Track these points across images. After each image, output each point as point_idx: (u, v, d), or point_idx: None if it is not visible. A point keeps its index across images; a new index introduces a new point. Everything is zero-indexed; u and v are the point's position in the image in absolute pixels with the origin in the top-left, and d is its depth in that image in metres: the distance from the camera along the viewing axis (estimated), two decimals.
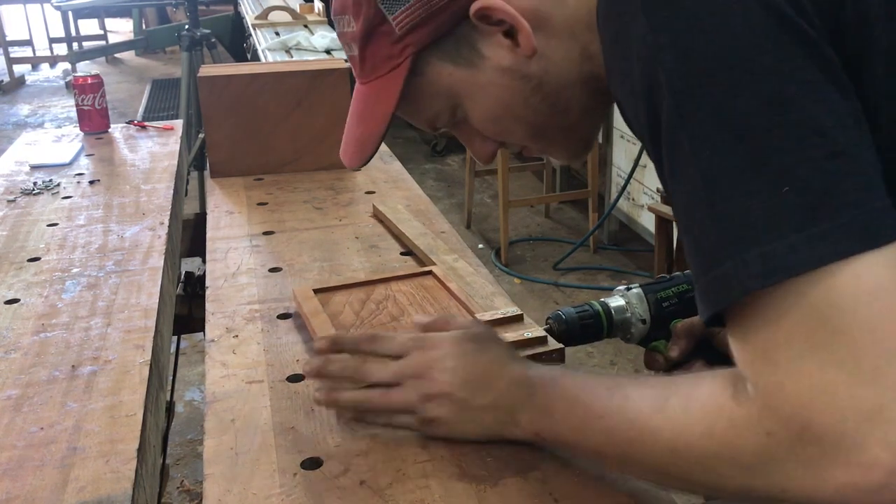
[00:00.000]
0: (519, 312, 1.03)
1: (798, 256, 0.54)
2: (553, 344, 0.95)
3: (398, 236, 1.37)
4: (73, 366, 0.97)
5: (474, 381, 0.80)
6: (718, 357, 0.92)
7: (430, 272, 1.18)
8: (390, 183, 1.66)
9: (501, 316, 1.02)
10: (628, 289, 0.95)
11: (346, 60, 1.94)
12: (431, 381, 0.80)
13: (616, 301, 0.95)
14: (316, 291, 1.11)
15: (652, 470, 0.68)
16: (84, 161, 1.81)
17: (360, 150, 0.82)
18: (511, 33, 0.71)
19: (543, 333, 0.96)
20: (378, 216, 1.46)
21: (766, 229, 0.55)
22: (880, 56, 0.58)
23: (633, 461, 0.69)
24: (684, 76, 0.57)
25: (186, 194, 2.09)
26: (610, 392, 0.71)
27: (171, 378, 1.70)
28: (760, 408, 0.57)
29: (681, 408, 0.64)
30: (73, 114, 2.09)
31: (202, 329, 1.09)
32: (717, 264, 0.57)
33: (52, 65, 8.47)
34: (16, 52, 8.48)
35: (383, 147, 1.89)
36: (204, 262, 1.34)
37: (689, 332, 0.92)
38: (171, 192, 1.58)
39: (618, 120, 3.60)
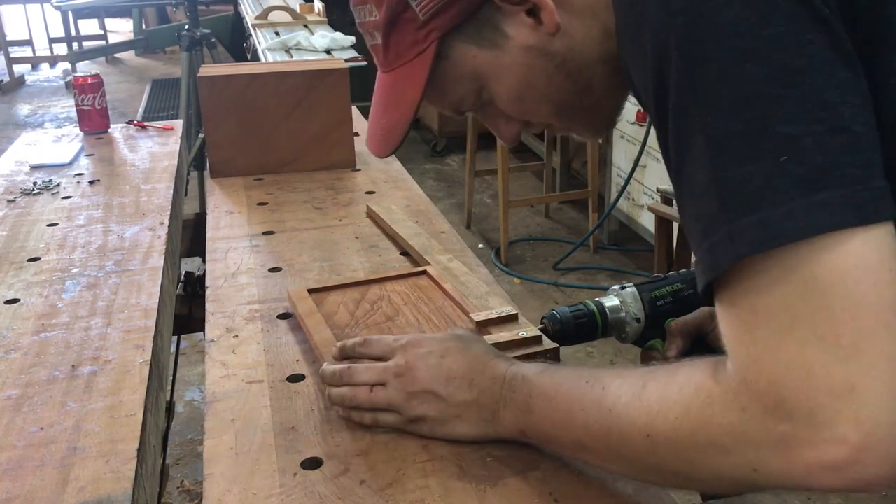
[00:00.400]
0: (514, 312, 1.03)
1: (792, 224, 0.54)
2: (548, 343, 0.95)
3: (392, 237, 1.37)
4: (73, 366, 0.97)
5: (456, 378, 0.81)
6: (711, 354, 0.92)
7: (424, 272, 1.18)
8: (390, 183, 1.66)
9: (496, 315, 1.02)
10: (623, 288, 0.96)
11: (346, 60, 1.94)
12: (413, 379, 0.82)
13: (611, 300, 0.95)
14: (311, 292, 1.11)
15: (628, 460, 0.68)
16: (84, 161, 1.81)
17: (387, 138, 0.82)
18: (533, 12, 0.72)
19: (538, 333, 0.96)
20: (372, 216, 1.46)
21: (764, 197, 0.55)
22: (894, 41, 0.58)
23: (612, 453, 0.69)
24: (694, 42, 0.58)
25: (186, 194, 2.09)
26: (589, 384, 0.71)
27: (171, 378, 1.70)
28: (738, 383, 0.58)
29: (657, 393, 0.65)
30: (73, 114, 2.09)
31: (202, 329, 1.09)
32: (713, 231, 0.57)
33: (52, 65, 8.47)
34: (16, 52, 8.48)
35: None
36: (204, 262, 1.34)
37: (683, 331, 0.93)
38: (171, 192, 1.58)
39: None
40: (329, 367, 0.88)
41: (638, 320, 0.94)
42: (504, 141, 0.85)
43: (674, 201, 2.56)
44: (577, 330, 0.94)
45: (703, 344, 0.93)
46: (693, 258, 0.62)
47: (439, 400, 0.81)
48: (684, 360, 0.66)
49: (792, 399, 0.55)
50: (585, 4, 0.72)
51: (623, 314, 0.94)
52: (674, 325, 0.93)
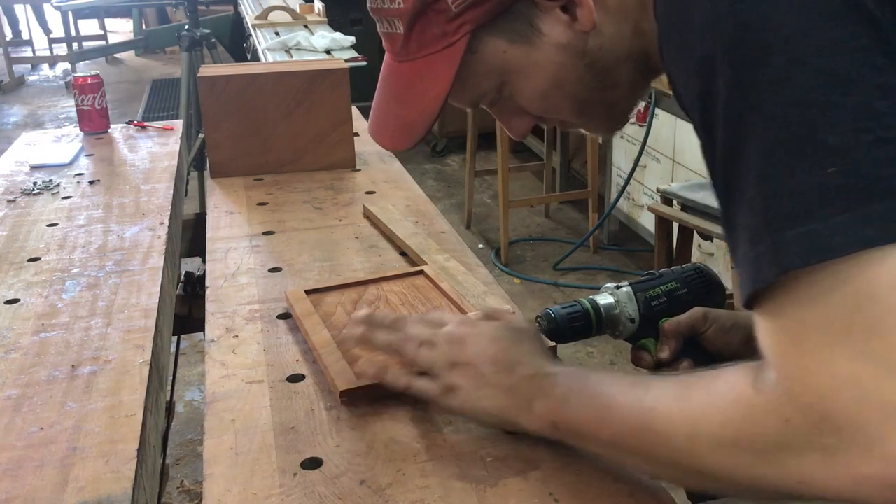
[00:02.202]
0: (511, 312, 1.03)
1: (841, 238, 0.53)
2: (546, 342, 0.95)
3: (389, 237, 1.37)
4: (73, 366, 0.97)
5: (501, 361, 0.81)
6: (705, 357, 0.92)
7: (421, 272, 1.18)
8: (390, 183, 1.66)
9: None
10: (618, 287, 0.95)
11: (346, 60, 1.94)
12: (461, 350, 0.83)
13: (605, 299, 0.95)
14: (308, 293, 1.11)
15: (665, 462, 0.68)
16: (84, 161, 1.81)
17: (409, 131, 0.80)
18: (568, 8, 0.71)
19: None
20: (369, 217, 1.46)
21: (810, 209, 0.54)
22: None
23: (648, 453, 0.69)
24: (743, 48, 0.57)
25: (186, 194, 2.09)
26: (632, 385, 0.71)
27: (171, 378, 1.70)
28: (781, 394, 0.57)
29: (700, 397, 0.64)
30: (73, 114, 2.09)
31: (202, 329, 1.09)
32: (758, 242, 0.56)
33: (52, 65, 8.47)
34: (16, 52, 8.48)
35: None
36: (204, 262, 1.34)
37: (676, 333, 0.92)
38: (171, 192, 1.58)
39: None
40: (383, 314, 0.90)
41: (632, 321, 0.94)
42: (514, 135, 0.84)
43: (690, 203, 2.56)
44: (572, 328, 0.93)
45: (696, 345, 0.93)
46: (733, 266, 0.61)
47: (479, 376, 0.82)
48: (727, 364, 0.65)
49: (840, 413, 0.54)
50: (619, 3, 0.72)
51: (617, 312, 0.94)
52: (667, 326, 0.93)
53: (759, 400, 0.59)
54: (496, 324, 0.87)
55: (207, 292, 1.19)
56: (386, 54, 0.81)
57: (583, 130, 0.86)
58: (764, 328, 0.59)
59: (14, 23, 9.03)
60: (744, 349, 0.90)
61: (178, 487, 2.28)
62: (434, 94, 0.76)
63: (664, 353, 0.92)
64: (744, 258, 0.58)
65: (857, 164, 0.53)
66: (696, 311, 0.93)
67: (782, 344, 0.58)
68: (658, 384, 0.69)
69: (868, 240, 0.52)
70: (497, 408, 0.81)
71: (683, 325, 0.92)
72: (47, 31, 8.83)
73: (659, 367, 0.93)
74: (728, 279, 2.39)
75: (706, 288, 0.96)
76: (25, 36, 8.62)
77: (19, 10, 9.07)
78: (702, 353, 0.92)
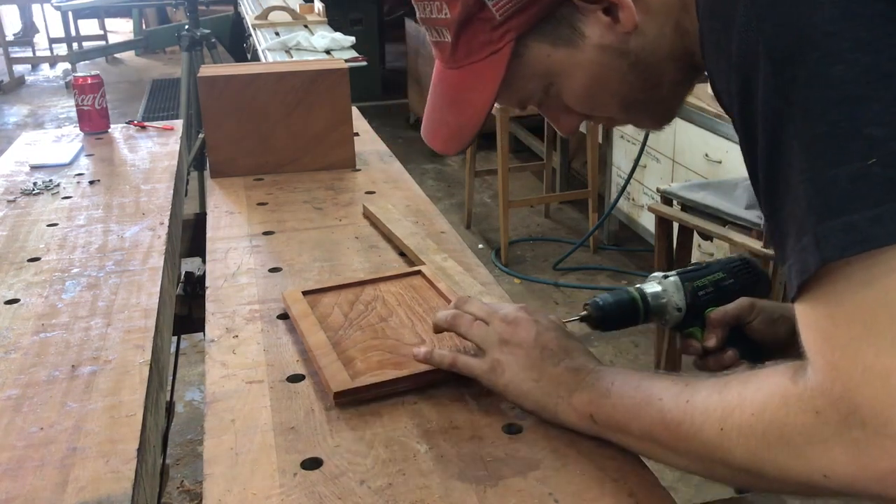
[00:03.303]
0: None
1: (879, 229, 0.53)
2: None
3: (388, 237, 1.37)
4: (73, 366, 0.97)
5: (550, 349, 0.85)
6: (751, 347, 0.94)
7: (419, 272, 1.18)
8: (390, 183, 1.66)
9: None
10: (665, 276, 0.96)
11: (346, 60, 1.94)
12: (514, 332, 0.86)
13: (652, 287, 0.96)
14: (305, 294, 1.11)
15: (696, 455, 0.69)
16: (84, 161, 1.81)
17: (459, 137, 0.82)
18: (610, 10, 0.72)
19: None
20: (368, 216, 1.46)
21: (850, 200, 0.54)
22: None
23: (679, 447, 0.70)
24: (783, 44, 0.58)
25: (186, 194, 2.09)
26: (672, 380, 0.73)
27: (171, 378, 1.70)
28: (814, 387, 0.58)
29: (737, 389, 0.66)
30: (73, 114, 2.09)
31: (202, 329, 1.09)
32: (802, 235, 0.57)
33: (52, 65, 8.47)
34: (16, 52, 8.48)
35: (383, 147, 1.89)
36: (204, 262, 1.34)
37: (723, 322, 0.94)
38: (171, 192, 1.58)
39: None
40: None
41: (679, 309, 0.95)
42: (562, 132, 0.86)
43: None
44: (620, 316, 0.95)
45: (742, 335, 0.94)
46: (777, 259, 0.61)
47: (527, 358, 0.85)
48: (771, 362, 0.66)
49: (867, 406, 0.55)
50: (661, 3, 0.73)
51: (664, 301, 0.95)
52: (713, 316, 0.94)
53: (794, 391, 0.60)
54: (552, 316, 0.91)
55: (207, 292, 1.19)
56: (436, 61, 0.83)
57: (633, 126, 0.88)
58: (803, 321, 0.60)
59: (28, 18, 9.03)
60: (790, 340, 0.91)
61: (178, 487, 2.28)
62: (482, 100, 0.78)
63: (711, 342, 0.94)
64: (791, 251, 0.59)
65: None
66: (743, 300, 0.95)
67: (816, 337, 0.58)
68: (696, 381, 0.71)
69: None
70: (539, 392, 0.83)
71: (730, 314, 0.94)
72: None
73: (706, 355, 0.95)
74: None
75: (753, 279, 0.98)
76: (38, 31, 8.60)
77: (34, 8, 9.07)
78: (748, 343, 0.94)
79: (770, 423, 0.61)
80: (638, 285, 0.96)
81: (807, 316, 0.59)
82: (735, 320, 0.94)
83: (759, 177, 0.62)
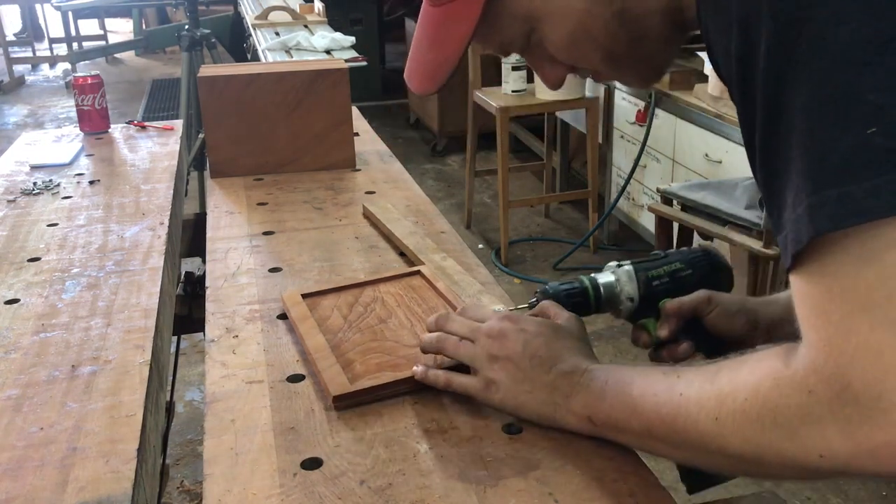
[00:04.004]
0: (508, 310, 1.03)
1: (874, 201, 0.52)
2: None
3: (388, 237, 1.37)
4: (73, 366, 0.97)
5: (540, 357, 0.83)
6: (708, 340, 0.92)
7: (418, 272, 1.18)
8: (390, 183, 1.66)
9: (490, 308, 1.02)
10: (619, 265, 0.95)
11: (346, 60, 1.94)
12: (501, 345, 0.84)
13: (606, 277, 0.94)
14: (304, 296, 1.11)
15: (694, 447, 0.68)
16: (84, 161, 1.81)
17: (433, 75, 0.81)
18: None
19: None
20: (368, 216, 1.46)
21: (847, 170, 0.53)
22: None
23: (678, 439, 0.69)
24: (788, 4, 0.56)
25: (186, 194, 2.09)
26: (665, 374, 0.73)
27: (171, 378, 1.70)
28: (807, 365, 0.57)
29: (728, 376, 0.65)
30: (73, 114, 2.09)
31: (202, 329, 1.09)
32: (798, 204, 0.55)
33: (52, 65, 8.47)
34: (16, 52, 8.48)
35: (383, 147, 1.89)
36: (204, 262, 1.34)
37: (677, 313, 0.92)
38: (171, 192, 1.58)
39: (618, 120, 3.60)
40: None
41: (631, 299, 0.93)
42: (548, 84, 0.84)
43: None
44: (570, 304, 0.93)
45: (699, 327, 0.93)
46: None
47: (518, 371, 0.83)
48: (762, 346, 0.65)
49: (859, 382, 0.54)
50: None
51: (617, 290, 0.93)
52: (668, 306, 0.93)
53: (786, 373, 0.59)
54: (537, 319, 0.88)
55: (207, 292, 1.19)
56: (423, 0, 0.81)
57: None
58: (797, 292, 0.59)
59: (34, 18, 9.02)
60: (747, 335, 0.90)
61: (178, 487, 2.28)
62: (458, 37, 0.77)
63: (663, 332, 0.92)
64: (787, 220, 0.57)
65: None
66: (701, 293, 0.93)
67: (810, 312, 0.57)
68: (688, 372, 0.71)
69: None
70: (535, 402, 0.82)
71: (686, 306, 0.92)
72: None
73: (658, 346, 0.93)
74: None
75: (712, 270, 0.95)
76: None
77: (16, 9, 9.06)
78: (704, 335, 0.92)
79: (763, 406, 0.61)
80: (592, 274, 0.95)
81: (801, 288, 0.58)
82: (691, 312, 0.92)
83: (755, 141, 0.60)
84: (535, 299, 0.94)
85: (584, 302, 0.93)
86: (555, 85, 0.83)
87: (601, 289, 0.93)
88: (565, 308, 0.92)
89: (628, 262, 0.95)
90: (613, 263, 0.95)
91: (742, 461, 0.65)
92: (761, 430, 0.61)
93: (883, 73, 0.52)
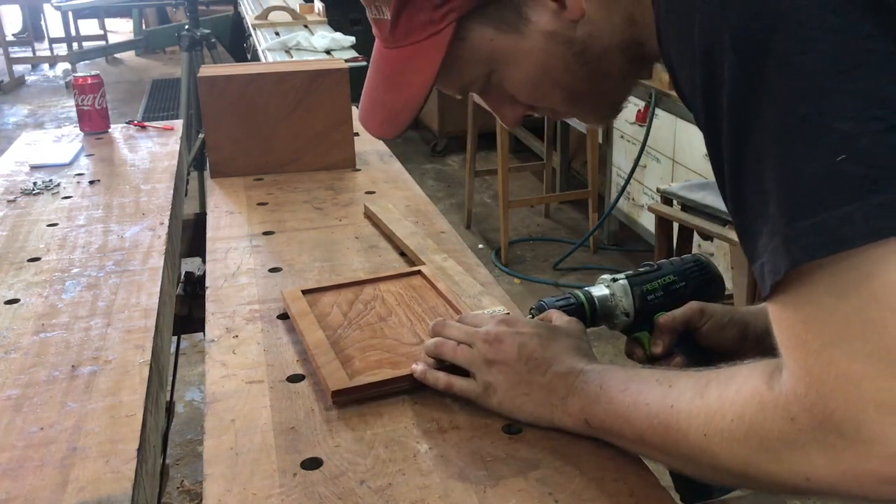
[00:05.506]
0: (505, 312, 1.03)
1: (850, 230, 0.51)
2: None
3: (388, 236, 1.37)
4: (73, 366, 0.97)
5: (536, 359, 0.83)
6: (699, 352, 0.92)
7: (418, 272, 1.18)
8: (390, 183, 1.66)
9: (487, 315, 1.02)
10: (614, 279, 0.95)
11: (346, 60, 1.94)
12: (498, 349, 0.85)
13: (600, 291, 0.94)
14: (305, 293, 1.11)
15: (685, 458, 0.69)
16: (84, 161, 1.81)
17: (395, 120, 0.79)
18: None
19: None
20: (369, 216, 1.46)
21: (820, 199, 0.52)
22: None
23: (670, 449, 0.70)
24: (750, 34, 0.55)
25: (186, 194, 2.09)
26: (658, 381, 0.73)
27: (171, 378, 1.70)
28: (788, 392, 0.58)
29: (717, 393, 0.65)
30: (73, 114, 2.09)
31: (202, 329, 1.09)
32: (774, 235, 0.55)
33: (52, 65, 8.46)
34: (16, 52, 8.48)
35: (383, 147, 1.89)
36: (204, 262, 1.34)
37: (671, 328, 0.92)
38: (171, 192, 1.58)
39: (618, 120, 3.59)
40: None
41: (627, 314, 0.93)
42: (506, 124, 0.83)
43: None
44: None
45: (691, 340, 0.93)
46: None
47: (514, 374, 0.84)
48: (748, 361, 0.65)
49: (840, 413, 0.54)
50: None
51: (612, 305, 0.94)
52: (662, 321, 0.93)
53: (769, 397, 0.59)
54: (533, 322, 0.89)
55: (207, 292, 1.19)
56: (376, 40, 0.80)
57: (575, 120, 0.86)
58: (776, 321, 0.59)
59: (36, 19, 9.02)
60: (739, 346, 0.90)
61: (178, 487, 2.28)
62: (420, 82, 0.75)
63: (657, 349, 0.92)
64: (762, 250, 0.57)
65: (867, 153, 0.51)
66: (693, 305, 0.93)
67: (790, 342, 0.57)
68: (680, 382, 0.70)
69: (878, 232, 0.51)
70: (532, 405, 0.83)
71: (679, 319, 0.92)
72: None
73: (652, 361, 0.93)
74: (729, 279, 2.39)
75: (705, 281, 0.96)
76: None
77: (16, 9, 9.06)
78: (696, 348, 0.92)
79: (749, 428, 0.61)
80: (587, 288, 0.95)
81: (780, 317, 0.58)
82: (684, 325, 0.92)
83: (724, 170, 0.60)
84: (530, 315, 0.95)
85: (579, 317, 0.93)
86: (513, 124, 0.83)
87: (596, 302, 0.94)
88: None
89: (622, 275, 0.95)
90: (608, 277, 0.96)
91: (732, 475, 0.65)
92: (748, 451, 0.61)
93: (847, 100, 0.52)
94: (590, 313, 0.93)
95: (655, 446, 0.72)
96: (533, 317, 0.95)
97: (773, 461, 0.60)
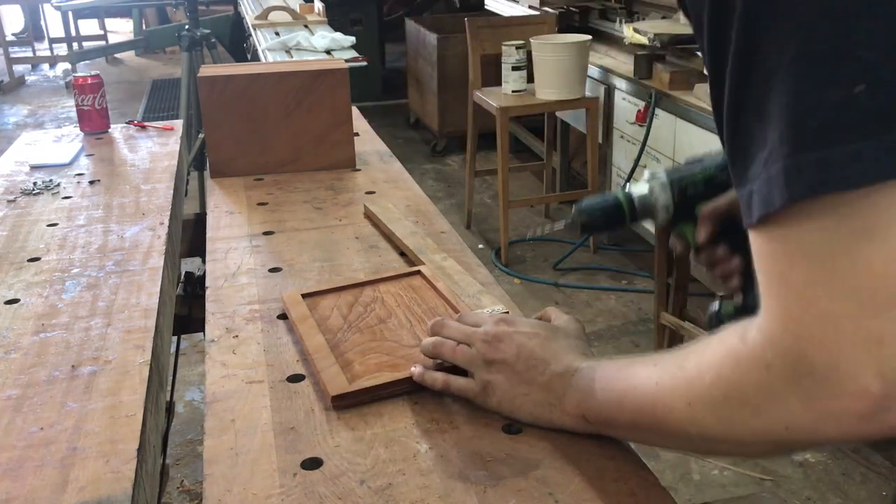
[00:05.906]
0: (504, 311, 1.03)
1: (857, 168, 0.48)
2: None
3: (388, 236, 1.37)
4: (73, 366, 0.97)
5: (534, 359, 0.84)
6: (745, 239, 0.92)
7: (418, 272, 1.18)
8: (390, 183, 1.66)
9: (487, 315, 1.02)
10: (653, 176, 0.95)
11: (346, 60, 1.94)
12: (496, 349, 0.85)
13: (640, 189, 0.95)
14: (304, 296, 1.11)
15: (676, 434, 0.69)
16: (84, 161, 1.81)
17: None
18: None
19: None
20: (369, 216, 1.46)
21: (830, 131, 0.49)
22: None
23: (661, 428, 0.70)
24: None
25: (186, 194, 2.09)
26: (643, 365, 0.73)
27: (171, 378, 1.70)
28: (763, 340, 0.57)
29: (695, 360, 0.65)
30: (73, 114, 2.09)
31: (202, 329, 1.09)
32: (773, 163, 0.51)
33: (52, 65, 8.47)
34: (16, 52, 8.48)
35: (383, 147, 1.89)
36: (204, 262, 1.34)
37: (713, 216, 0.92)
38: (171, 192, 1.58)
39: (618, 120, 3.60)
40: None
41: (667, 209, 0.94)
42: None
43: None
44: (605, 219, 0.96)
45: (736, 227, 0.92)
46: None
47: (513, 373, 0.84)
48: (728, 253, 0.64)
49: (816, 352, 0.53)
50: None
51: (652, 202, 0.94)
52: (704, 211, 0.92)
53: (744, 351, 0.59)
54: (532, 322, 0.90)
55: (207, 292, 1.19)
56: None
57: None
58: (759, 252, 0.56)
59: (36, 19, 9.02)
60: None
61: (178, 487, 2.28)
62: None
63: (701, 237, 0.92)
64: (754, 176, 0.54)
65: (888, 86, 0.48)
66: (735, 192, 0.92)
67: (772, 275, 0.55)
68: (664, 359, 0.71)
69: (885, 173, 0.48)
70: (531, 404, 0.83)
71: (721, 207, 0.91)
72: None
73: (697, 251, 0.94)
74: None
75: None
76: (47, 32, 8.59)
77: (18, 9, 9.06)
78: (741, 235, 0.92)
79: (727, 386, 0.61)
80: (628, 188, 0.96)
81: (764, 250, 0.56)
82: (728, 213, 0.90)
83: (724, 86, 0.55)
84: (571, 218, 0.96)
85: (619, 215, 0.95)
86: None
87: (635, 201, 0.95)
88: (600, 222, 0.95)
89: (662, 172, 0.95)
90: (648, 173, 0.96)
91: (724, 442, 0.65)
92: (730, 410, 0.61)
93: (874, 26, 0.48)
94: (628, 211, 0.95)
95: (648, 428, 0.72)
96: (573, 220, 0.96)
97: (754, 415, 0.59)
